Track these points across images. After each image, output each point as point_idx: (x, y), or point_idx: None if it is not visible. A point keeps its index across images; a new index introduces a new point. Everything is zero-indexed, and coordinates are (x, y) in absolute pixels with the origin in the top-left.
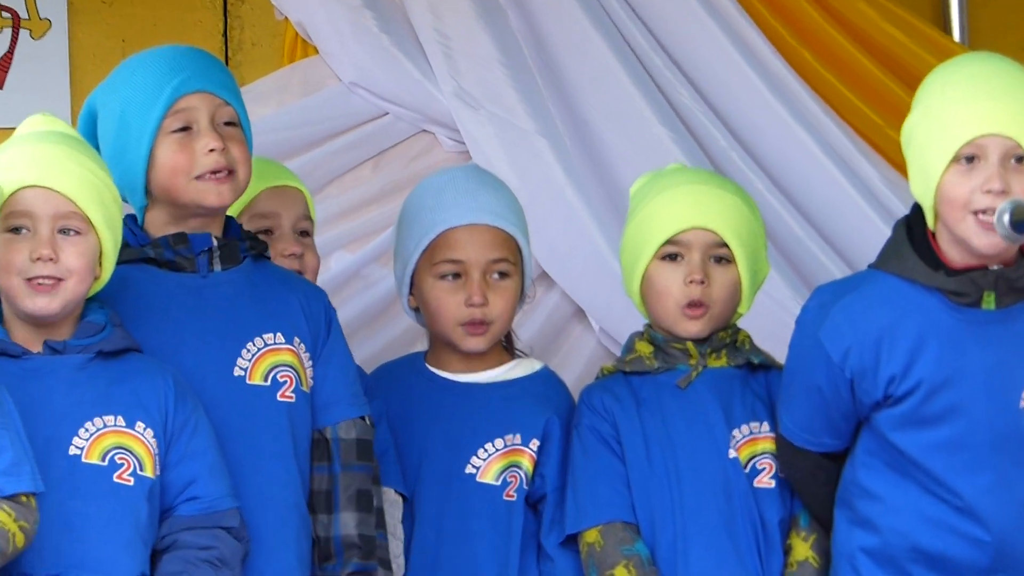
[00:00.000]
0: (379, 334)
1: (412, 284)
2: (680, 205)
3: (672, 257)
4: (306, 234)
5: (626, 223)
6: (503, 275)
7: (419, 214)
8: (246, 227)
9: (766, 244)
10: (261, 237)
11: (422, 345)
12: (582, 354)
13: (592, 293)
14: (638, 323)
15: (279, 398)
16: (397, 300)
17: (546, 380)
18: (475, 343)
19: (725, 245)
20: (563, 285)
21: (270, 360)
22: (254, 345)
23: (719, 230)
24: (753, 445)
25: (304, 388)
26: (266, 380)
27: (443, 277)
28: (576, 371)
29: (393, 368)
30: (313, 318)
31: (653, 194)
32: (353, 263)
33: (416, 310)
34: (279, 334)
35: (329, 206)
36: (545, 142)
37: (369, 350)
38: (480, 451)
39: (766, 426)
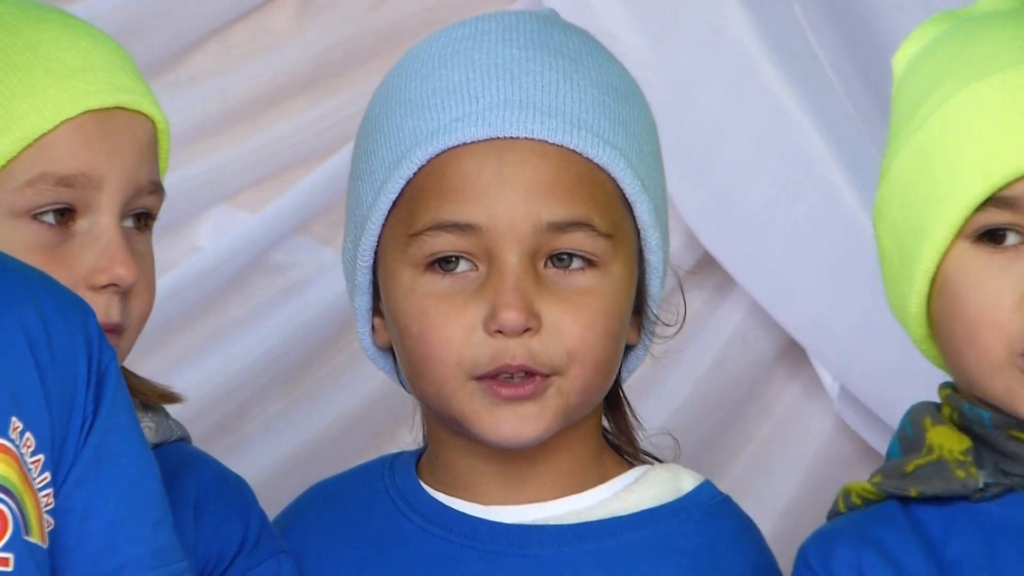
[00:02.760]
0: (321, 394)
1: (376, 284)
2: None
3: (997, 236)
4: (145, 220)
5: (890, 143)
6: (585, 262)
7: (386, 124)
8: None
9: None
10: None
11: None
12: (801, 448)
13: (829, 318)
14: (924, 382)
15: None
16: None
17: (708, 518)
18: (512, 425)
19: None
20: (762, 299)
21: None
22: None
23: None
24: None
25: (35, 539)
26: None
27: (433, 265)
28: (788, 488)
29: (343, 491)
30: (62, 383)
31: (952, 83)
32: (257, 232)
33: (389, 349)
34: None
35: (199, 110)
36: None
37: (298, 436)
38: None
39: None
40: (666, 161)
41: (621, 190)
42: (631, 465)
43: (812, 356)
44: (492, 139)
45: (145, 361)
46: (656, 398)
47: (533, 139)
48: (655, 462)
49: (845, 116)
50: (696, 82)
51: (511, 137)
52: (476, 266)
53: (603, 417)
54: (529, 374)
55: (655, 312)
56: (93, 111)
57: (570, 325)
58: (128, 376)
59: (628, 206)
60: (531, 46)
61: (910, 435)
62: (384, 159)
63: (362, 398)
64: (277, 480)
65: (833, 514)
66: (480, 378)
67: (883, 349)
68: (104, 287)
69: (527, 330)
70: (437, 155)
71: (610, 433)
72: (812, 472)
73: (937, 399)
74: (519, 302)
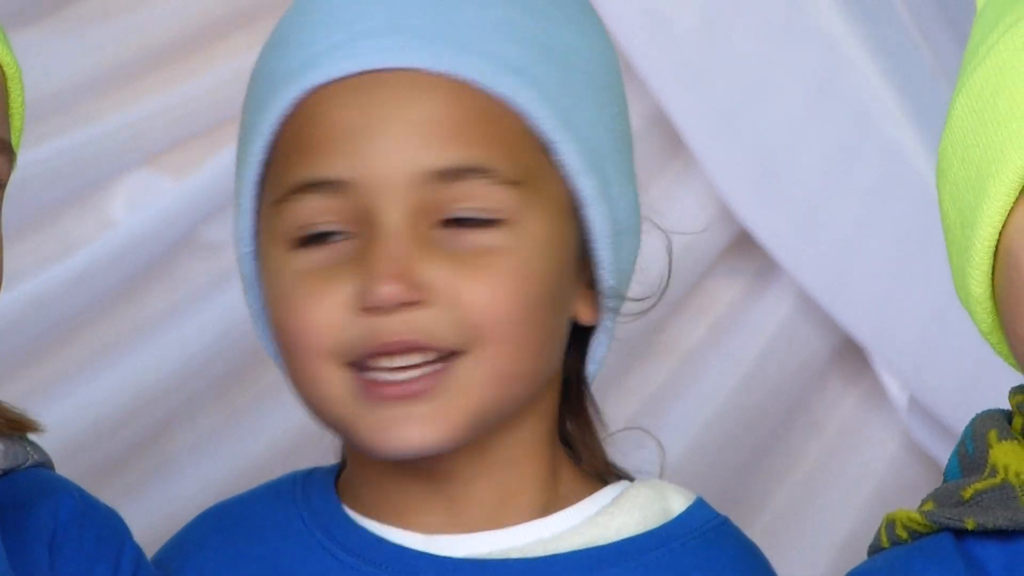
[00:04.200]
0: (264, 405)
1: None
2: None
3: None
4: None
5: (961, 73)
6: (483, 223)
7: (256, 70)
8: None
9: None
10: None
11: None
12: (861, 471)
13: (896, 312)
14: (999, 383)
15: None
16: None
17: (705, 546)
18: (400, 431)
19: None
20: (813, 288)
21: None
22: None
23: None
24: None
25: None
26: None
27: (306, 242)
28: (845, 520)
29: (247, 517)
30: None
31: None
32: (185, 203)
33: None
34: None
35: (110, 53)
36: None
37: (236, 457)
38: None
39: None
40: (696, 116)
41: (539, 134)
42: (603, 482)
43: (874, 359)
44: (363, 74)
45: (43, 364)
46: (682, 409)
47: (412, 70)
48: (620, 477)
49: (917, 61)
50: (731, 19)
51: (385, 69)
52: (352, 234)
53: (564, 420)
54: (415, 349)
55: (611, 283)
56: None
57: (471, 292)
58: None
59: (545, 153)
60: None
61: (971, 452)
62: (249, 113)
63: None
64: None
65: (874, 549)
66: (355, 368)
67: (961, 350)
68: None
69: (411, 304)
70: (300, 100)
71: (587, 454)
72: (874, 501)
73: (1008, 406)
74: (395, 269)
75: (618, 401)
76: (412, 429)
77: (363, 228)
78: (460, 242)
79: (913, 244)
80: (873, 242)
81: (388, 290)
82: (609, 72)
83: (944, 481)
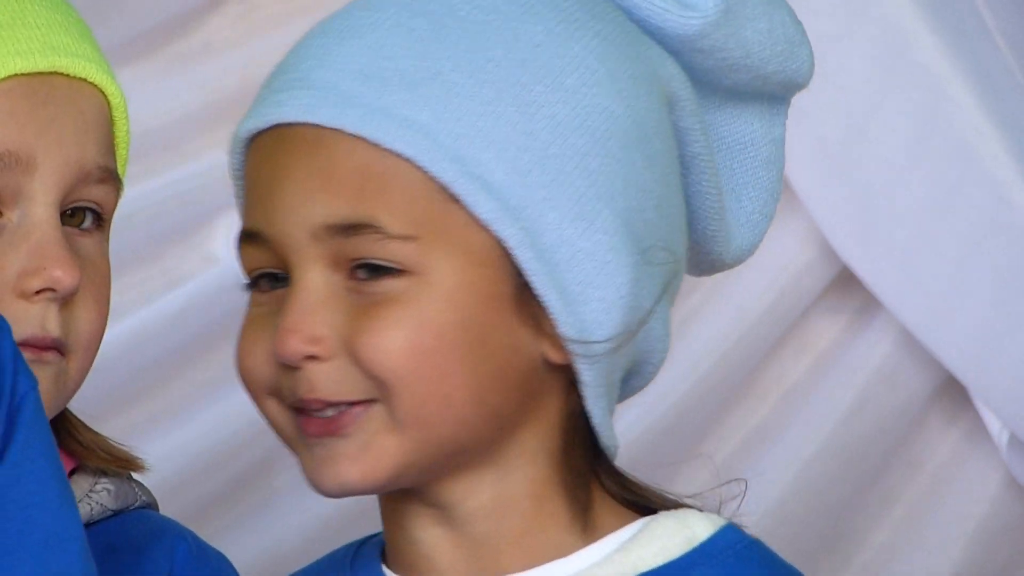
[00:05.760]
0: None
1: None
2: None
3: None
4: (95, 218)
5: None
6: (387, 271)
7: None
8: None
9: None
10: None
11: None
12: (963, 510)
13: (997, 350)
14: None
15: None
16: None
17: (732, 570)
18: (328, 468)
19: None
20: (914, 326)
21: None
22: None
23: None
24: None
25: None
26: None
27: (259, 282)
28: (947, 560)
29: None
30: None
31: None
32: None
33: None
34: None
35: (214, 87)
36: None
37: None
38: None
39: None
40: (794, 152)
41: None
42: (636, 516)
43: (975, 397)
44: (275, 127)
45: (146, 400)
46: (781, 447)
47: (310, 125)
48: (681, 507)
49: (1020, 99)
50: (835, 54)
51: (290, 124)
52: (277, 280)
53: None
54: (333, 410)
55: (567, 332)
56: (23, 75)
57: (365, 344)
58: (76, 429)
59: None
60: (385, 7)
61: None
62: None
63: None
64: (310, 552)
65: None
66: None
67: None
68: (38, 293)
69: (314, 358)
70: (246, 150)
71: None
72: (977, 540)
73: None
74: (294, 324)
75: (720, 439)
76: (337, 466)
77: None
78: (363, 293)
79: (1015, 281)
80: (974, 280)
81: (286, 344)
82: (576, 108)
83: None
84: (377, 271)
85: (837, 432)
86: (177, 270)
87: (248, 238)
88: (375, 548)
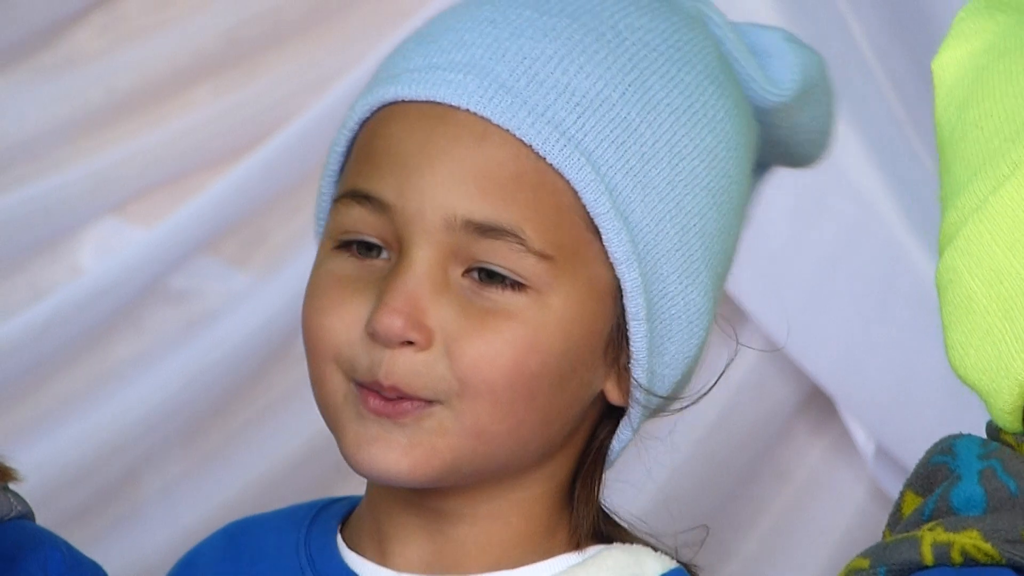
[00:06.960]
0: (233, 453)
1: None
2: None
3: None
4: None
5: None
6: (508, 283)
7: (380, 65)
8: None
9: None
10: None
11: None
12: (829, 520)
13: (863, 362)
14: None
15: None
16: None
17: None
18: (375, 449)
19: None
20: (780, 337)
21: None
22: None
23: None
24: None
25: None
26: None
27: (349, 246)
28: (812, 570)
29: (255, 540)
30: None
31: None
32: (153, 251)
33: None
34: None
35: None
36: None
37: (204, 505)
38: None
39: None
40: None
41: (580, 199)
42: (597, 544)
43: (841, 408)
44: (431, 103)
45: (11, 411)
46: (646, 457)
47: (478, 115)
48: (612, 539)
49: (884, 110)
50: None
51: (452, 106)
52: (390, 255)
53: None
54: (396, 392)
55: (641, 378)
56: None
57: (470, 347)
58: None
59: (591, 225)
60: (546, 6)
61: (1015, 491)
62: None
63: (284, 458)
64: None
65: (913, 565)
66: (354, 383)
67: (927, 400)
68: None
69: (411, 343)
70: (379, 108)
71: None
72: (842, 550)
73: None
74: (403, 305)
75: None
76: (387, 452)
77: (398, 253)
78: (480, 296)
79: (880, 292)
80: (839, 291)
81: (390, 323)
82: (710, 168)
83: (954, 513)
84: (493, 278)
85: (703, 443)
86: (42, 282)
87: (362, 199)
88: (335, 517)
